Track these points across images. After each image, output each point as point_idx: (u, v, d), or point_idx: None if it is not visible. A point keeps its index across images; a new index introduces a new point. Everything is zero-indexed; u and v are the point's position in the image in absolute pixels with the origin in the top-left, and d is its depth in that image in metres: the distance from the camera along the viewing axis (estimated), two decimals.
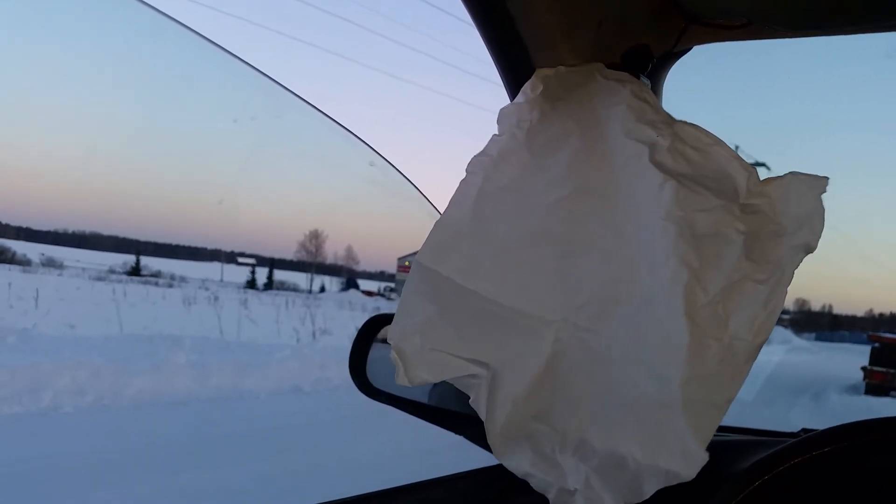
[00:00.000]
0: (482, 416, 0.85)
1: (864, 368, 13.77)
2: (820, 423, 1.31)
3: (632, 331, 0.79)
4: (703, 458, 0.73)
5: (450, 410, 1.28)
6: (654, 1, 0.86)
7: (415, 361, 0.86)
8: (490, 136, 0.91)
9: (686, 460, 0.73)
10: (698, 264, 0.77)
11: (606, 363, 0.80)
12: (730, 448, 1.10)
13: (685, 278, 0.76)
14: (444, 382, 1.27)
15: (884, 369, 13.33)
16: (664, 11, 0.88)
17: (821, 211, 0.76)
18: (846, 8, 0.81)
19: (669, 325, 0.76)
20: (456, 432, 1.20)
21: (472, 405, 0.87)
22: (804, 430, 1.32)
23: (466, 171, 0.89)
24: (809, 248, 0.76)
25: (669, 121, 0.84)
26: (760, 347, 0.77)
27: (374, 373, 1.32)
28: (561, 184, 0.85)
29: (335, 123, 0.81)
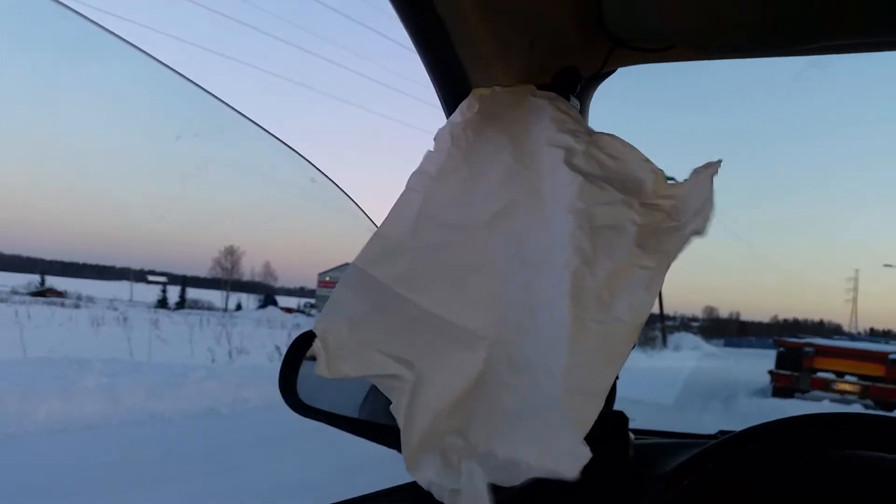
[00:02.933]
0: (400, 424, 0.82)
1: (770, 372, 14.31)
2: (732, 424, 1.36)
3: (541, 333, 0.79)
4: (586, 454, 0.70)
5: (384, 425, 1.28)
6: (582, 25, 0.90)
7: (339, 353, 0.83)
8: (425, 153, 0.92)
9: (572, 459, 0.70)
10: (591, 252, 0.78)
11: (523, 373, 0.80)
12: (651, 451, 1.13)
13: (575, 265, 0.77)
14: (375, 397, 1.27)
15: (789, 372, 13.88)
16: (592, 35, 0.92)
17: (711, 196, 0.77)
18: (760, 35, 0.86)
19: (557, 314, 0.77)
20: (391, 447, 1.19)
21: (392, 411, 0.83)
22: (721, 432, 1.37)
23: (407, 186, 0.90)
24: (698, 234, 0.77)
25: (588, 131, 0.88)
26: (640, 329, 0.76)
27: (305, 390, 1.31)
28: (496, 198, 0.87)
29: (276, 140, 0.80)
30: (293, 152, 0.82)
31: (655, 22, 0.87)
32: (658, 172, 0.82)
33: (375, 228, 0.90)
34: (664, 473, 0.94)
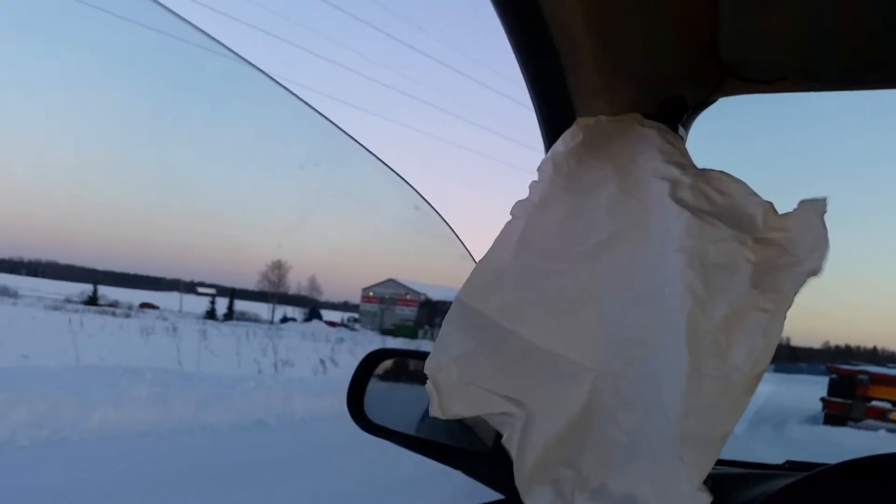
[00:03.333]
0: (512, 455, 0.85)
1: (823, 399, 13.99)
2: (784, 452, 1.33)
3: (654, 371, 0.79)
4: (707, 498, 0.72)
5: (450, 446, 1.28)
6: (694, 55, 0.89)
7: (450, 393, 0.85)
8: (529, 183, 0.92)
9: (693, 501, 0.72)
10: (704, 293, 0.76)
11: (633, 409, 0.80)
12: (726, 481, 1.11)
13: (689, 307, 0.76)
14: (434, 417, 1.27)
15: (841, 400, 13.58)
16: (703, 64, 0.91)
17: (825, 234, 0.75)
18: (876, 66, 0.84)
19: (672, 356, 0.76)
20: (454, 467, 1.20)
21: (504, 443, 0.86)
22: (789, 463, 1.34)
23: (511, 214, 0.90)
24: (815, 273, 0.75)
25: (694, 165, 0.86)
26: (759, 378, 0.75)
27: (371, 408, 1.32)
28: (599, 228, 0.87)
29: (386, 167, 0.82)
30: (401, 180, 0.83)
31: (771, 53, 0.87)
32: (767, 204, 0.80)
33: (466, 253, 0.91)
34: None
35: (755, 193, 0.82)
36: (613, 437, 0.81)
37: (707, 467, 0.73)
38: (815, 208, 0.77)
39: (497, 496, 1.16)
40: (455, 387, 0.86)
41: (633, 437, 0.80)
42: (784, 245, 0.78)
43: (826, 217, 0.76)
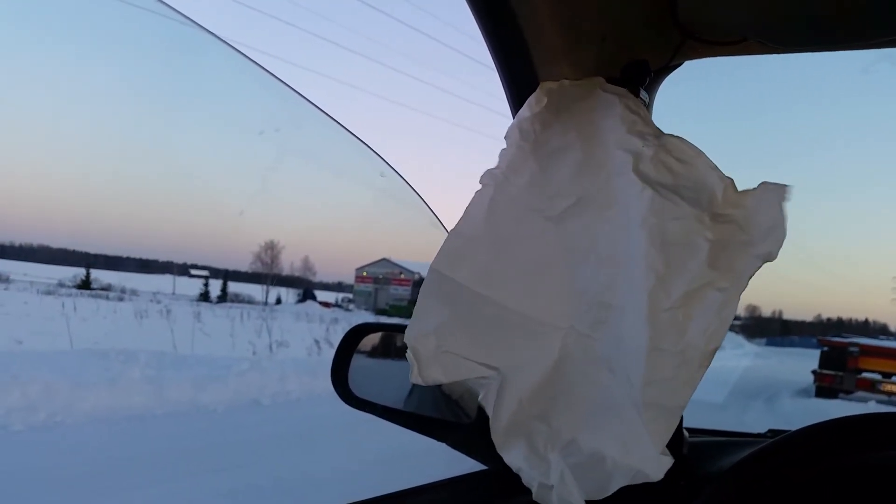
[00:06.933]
0: (489, 412, 0.89)
1: (814, 372, 14.07)
2: (775, 424, 1.34)
3: (618, 336, 0.83)
4: (669, 460, 0.77)
5: (432, 418, 1.29)
6: (653, 17, 0.90)
7: (429, 362, 0.89)
8: (499, 152, 0.93)
9: (656, 462, 0.77)
10: (664, 271, 0.80)
11: (602, 368, 0.84)
12: (705, 449, 1.13)
13: (650, 284, 0.80)
14: (422, 390, 1.28)
15: (833, 372, 13.65)
16: (663, 27, 0.92)
17: (783, 220, 0.78)
18: (832, 29, 0.85)
19: (635, 326, 0.80)
20: (438, 439, 1.21)
21: (481, 402, 0.90)
22: (771, 431, 1.35)
23: (480, 182, 0.93)
24: (770, 257, 0.79)
25: (658, 133, 0.88)
26: (713, 355, 0.79)
27: (355, 382, 1.32)
28: (565, 194, 0.89)
29: (349, 133, 0.82)
30: (365, 146, 0.83)
31: (728, 14, 0.88)
32: (727, 181, 0.83)
33: (438, 223, 0.92)
34: (724, 470, 0.93)
35: (716, 167, 0.84)
36: (584, 393, 0.85)
37: (668, 433, 0.78)
38: (777, 193, 0.80)
39: (481, 467, 1.17)
40: (433, 355, 0.89)
41: (601, 394, 0.83)
42: (740, 223, 0.81)
43: (787, 204, 0.79)
